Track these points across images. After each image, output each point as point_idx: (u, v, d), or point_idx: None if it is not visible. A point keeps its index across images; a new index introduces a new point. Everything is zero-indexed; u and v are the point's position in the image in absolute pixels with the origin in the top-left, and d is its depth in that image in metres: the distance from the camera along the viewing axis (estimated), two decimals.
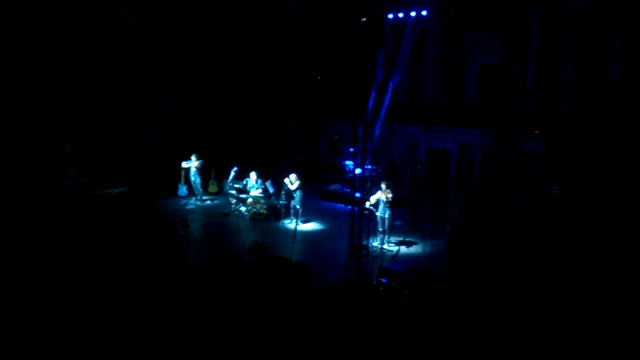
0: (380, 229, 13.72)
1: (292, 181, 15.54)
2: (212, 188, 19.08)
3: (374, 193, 13.71)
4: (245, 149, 23.56)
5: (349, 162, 18.17)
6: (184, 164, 17.72)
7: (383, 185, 13.66)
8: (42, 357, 8.49)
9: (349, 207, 12.25)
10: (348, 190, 17.83)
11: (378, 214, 13.72)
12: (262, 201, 16.39)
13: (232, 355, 8.63)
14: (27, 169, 17.83)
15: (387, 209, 13.60)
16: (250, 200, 16.45)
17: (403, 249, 13.81)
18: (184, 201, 17.97)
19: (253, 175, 16.70)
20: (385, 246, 13.71)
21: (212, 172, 19.12)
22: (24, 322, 9.41)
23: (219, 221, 16.18)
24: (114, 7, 19.74)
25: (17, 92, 18.04)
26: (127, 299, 10.44)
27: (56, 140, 18.36)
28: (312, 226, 15.86)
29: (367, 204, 13.30)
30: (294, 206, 15.57)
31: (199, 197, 17.98)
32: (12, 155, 17.67)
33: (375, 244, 13.56)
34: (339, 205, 18.24)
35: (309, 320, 9.67)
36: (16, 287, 10.77)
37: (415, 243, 14.18)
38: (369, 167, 12.29)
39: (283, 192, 15.92)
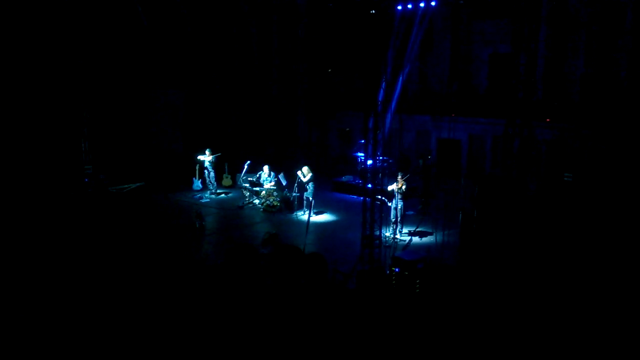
0: (393, 219, 13.87)
1: (304, 173, 15.71)
2: (226, 182, 19.33)
3: (386, 183, 13.84)
4: (257, 143, 23.77)
5: (360, 154, 18.29)
6: (200, 157, 18.04)
7: (399, 177, 13.79)
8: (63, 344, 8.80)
9: (362, 198, 12.40)
10: (360, 181, 17.97)
11: (391, 204, 13.87)
12: (275, 194, 16.60)
13: (246, 344, 8.85)
14: (46, 166, 18.22)
15: (400, 200, 13.74)
16: (263, 192, 16.67)
17: (415, 238, 13.96)
18: (199, 195, 18.27)
19: (266, 168, 16.91)
20: (398, 236, 13.87)
21: (225, 166, 19.38)
22: (45, 311, 9.74)
23: (233, 214, 16.45)
24: (128, 7, 19.98)
25: (35, 92, 18.41)
26: (144, 291, 10.71)
27: (73, 138, 18.71)
28: (325, 217, 16.06)
29: (389, 188, 13.50)
30: (307, 198, 15.76)
31: (213, 191, 18.25)
32: (30, 153, 18.07)
33: (387, 234, 13.72)
34: (351, 196, 18.41)
35: (323, 309, 9.86)
36: (37, 280, 11.10)
37: (427, 233, 14.32)
38: (381, 158, 12.42)
39: (296, 184, 16.11)
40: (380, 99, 12.92)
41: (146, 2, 20.09)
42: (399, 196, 13.73)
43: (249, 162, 17.47)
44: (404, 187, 13.71)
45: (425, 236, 14.14)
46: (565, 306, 9.89)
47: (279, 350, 8.66)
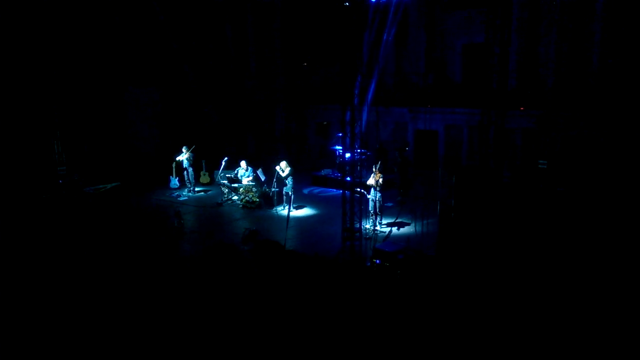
0: (372, 211, 13.93)
1: (283, 168, 15.66)
2: (204, 179, 19.18)
3: (365, 176, 13.88)
4: (234, 139, 23.61)
5: (338, 147, 18.31)
6: (178, 158, 17.82)
7: (374, 169, 13.85)
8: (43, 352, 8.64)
9: (341, 191, 12.42)
10: (339, 174, 18.00)
11: (370, 196, 13.93)
12: (254, 189, 16.51)
13: (230, 345, 8.82)
14: (18, 169, 17.80)
15: (377, 191, 13.81)
16: (242, 189, 16.58)
17: (395, 229, 14.05)
18: (177, 193, 18.08)
19: (243, 163, 16.80)
20: (378, 228, 13.94)
21: (203, 163, 19.21)
22: (24, 318, 9.56)
23: (212, 211, 16.32)
24: (100, 4, 19.63)
25: (3, 92, 17.94)
26: (124, 292, 10.58)
27: (46, 139, 18.32)
28: (305, 212, 16.04)
29: (369, 182, 13.53)
30: (286, 193, 15.72)
31: (191, 189, 18.08)
32: (3, 155, 17.63)
33: (367, 226, 13.77)
34: (330, 189, 18.44)
35: (306, 303, 9.88)
36: (13, 284, 10.88)
37: (406, 224, 14.43)
38: (359, 151, 12.44)
39: (274, 179, 16.05)
40: (356, 91, 12.94)
41: None
42: (377, 187, 13.78)
43: (226, 158, 17.34)
44: (380, 179, 13.78)
45: (404, 227, 14.24)
46: (543, 292, 10.07)
47: (264, 344, 8.65)
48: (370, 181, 13.74)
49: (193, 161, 17.88)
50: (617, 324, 8.93)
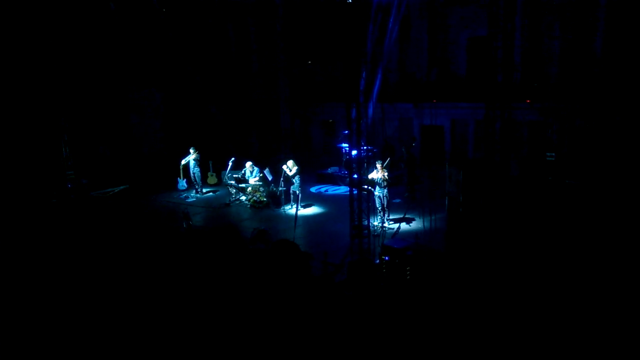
0: (379, 208, 13.93)
1: (289, 167, 15.68)
2: (211, 179, 19.24)
3: (371, 172, 13.88)
4: (241, 139, 23.66)
5: (345, 145, 18.30)
6: (183, 161, 17.87)
7: (378, 165, 13.85)
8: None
9: (348, 188, 12.41)
10: (346, 172, 17.99)
11: (376, 193, 13.92)
12: (261, 189, 16.55)
13: (235, 343, 8.84)
14: (27, 173, 17.94)
15: (383, 187, 13.79)
16: (249, 189, 16.62)
17: (403, 225, 14.04)
18: (185, 194, 18.15)
19: (248, 164, 16.85)
20: (386, 224, 13.93)
21: (210, 164, 19.26)
22: (29, 322, 9.64)
23: (221, 212, 16.37)
24: (102, 9, 19.72)
25: (10, 99, 18.07)
26: (132, 296, 10.62)
27: (53, 143, 18.45)
28: (312, 210, 16.06)
29: (370, 176, 13.51)
30: (294, 192, 15.74)
31: (199, 190, 18.14)
32: (11, 161, 17.77)
33: (375, 223, 13.77)
34: (337, 187, 18.44)
35: (313, 303, 9.90)
36: (21, 289, 10.97)
37: (414, 219, 14.40)
38: (365, 148, 12.43)
39: (282, 178, 16.07)
40: (361, 88, 12.90)
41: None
42: (383, 184, 13.76)
43: (233, 158, 17.38)
44: (385, 174, 13.76)
45: (413, 222, 14.22)
46: (554, 286, 10.03)
47: (274, 345, 8.67)
48: (373, 175, 13.69)
49: (199, 162, 17.93)
50: (629, 316, 8.87)
